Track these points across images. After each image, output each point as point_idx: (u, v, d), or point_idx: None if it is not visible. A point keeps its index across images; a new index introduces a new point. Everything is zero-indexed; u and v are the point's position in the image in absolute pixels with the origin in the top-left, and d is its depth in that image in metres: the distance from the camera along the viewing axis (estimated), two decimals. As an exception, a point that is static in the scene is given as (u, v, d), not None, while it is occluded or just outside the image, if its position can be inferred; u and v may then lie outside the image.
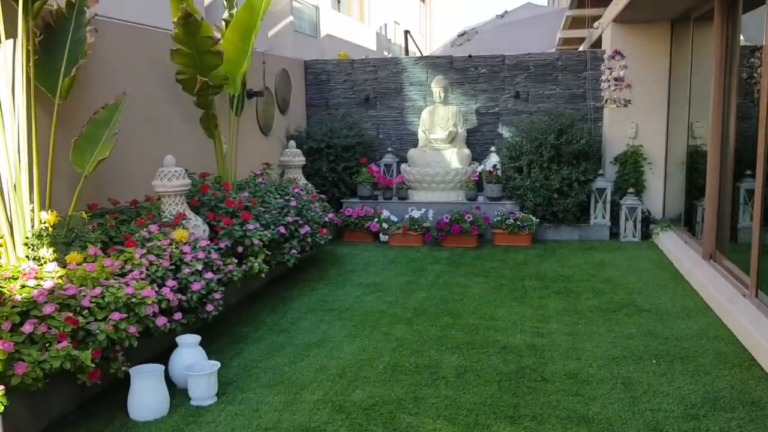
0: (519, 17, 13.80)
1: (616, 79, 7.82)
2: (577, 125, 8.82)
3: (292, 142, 8.16)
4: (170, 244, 4.69)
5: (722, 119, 6.33)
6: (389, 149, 9.79)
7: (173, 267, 4.60)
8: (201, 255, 4.73)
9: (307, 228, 6.54)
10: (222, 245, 5.43)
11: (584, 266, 7.23)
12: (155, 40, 6.21)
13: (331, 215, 7.55)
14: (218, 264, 5.03)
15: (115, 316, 3.87)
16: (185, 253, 4.69)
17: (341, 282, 6.76)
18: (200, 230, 5.36)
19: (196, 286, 4.52)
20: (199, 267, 4.65)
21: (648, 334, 5.11)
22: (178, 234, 4.74)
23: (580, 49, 12.85)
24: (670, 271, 6.94)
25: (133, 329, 3.94)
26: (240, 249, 5.56)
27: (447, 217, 8.39)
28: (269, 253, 5.83)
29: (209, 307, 4.72)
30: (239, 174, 7.50)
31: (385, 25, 33.90)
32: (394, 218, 8.77)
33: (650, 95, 8.71)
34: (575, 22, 13.25)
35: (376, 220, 8.71)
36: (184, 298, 4.51)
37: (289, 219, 6.34)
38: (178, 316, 4.42)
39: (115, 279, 4.18)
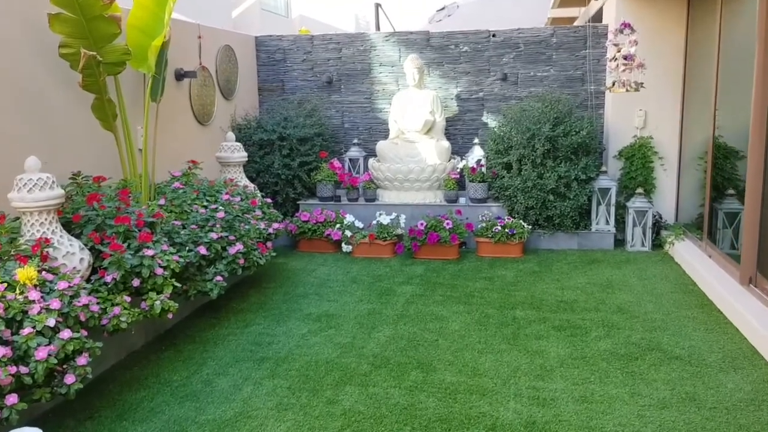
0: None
1: (625, 58, 6.43)
2: (575, 113, 7.43)
3: (231, 134, 6.68)
4: (8, 288, 3.23)
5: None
6: (355, 141, 8.35)
7: (9, 325, 3.14)
8: (55, 304, 3.28)
9: (239, 246, 5.10)
10: (108, 278, 3.99)
11: (588, 288, 5.86)
12: (36, 3, 4.69)
13: (277, 225, 6.10)
14: (93, 311, 3.58)
15: None
16: (33, 302, 3.24)
17: (285, 313, 5.34)
18: (75, 260, 3.91)
19: (40, 353, 3.07)
20: (50, 322, 3.20)
21: (687, 399, 3.75)
22: (22, 273, 3.29)
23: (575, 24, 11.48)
24: (696, 295, 5.60)
25: None
26: (137, 282, 4.12)
27: (422, 224, 6.98)
28: (179, 285, 4.39)
29: (69, 379, 3.27)
30: (163, 175, 6.03)
31: (365, 6, 32.26)
32: (359, 224, 7.35)
33: (661, 78, 7.33)
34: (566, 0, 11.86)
35: (338, 226, 7.29)
36: (25, 370, 3.07)
37: (214, 236, 4.89)
38: (11, 399, 2.98)
39: None
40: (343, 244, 7.24)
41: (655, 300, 5.49)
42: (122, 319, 3.86)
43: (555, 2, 12.30)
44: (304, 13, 23.01)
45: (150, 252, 4.16)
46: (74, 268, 3.87)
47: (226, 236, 5.06)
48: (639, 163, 7.41)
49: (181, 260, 4.49)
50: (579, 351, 4.45)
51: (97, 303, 3.74)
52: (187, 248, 4.71)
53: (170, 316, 4.25)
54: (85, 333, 3.48)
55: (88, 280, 4.08)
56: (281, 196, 7.79)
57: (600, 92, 7.85)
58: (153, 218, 4.51)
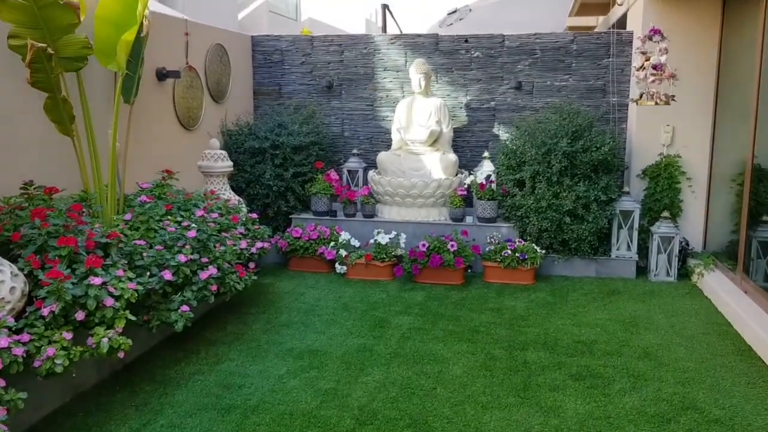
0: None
1: (654, 67, 5.77)
2: (595, 127, 6.78)
3: (214, 141, 6.06)
4: None
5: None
6: (354, 151, 7.72)
7: None
8: (-43, 351, 2.65)
9: (212, 270, 4.46)
10: (45, 311, 3.36)
11: (609, 325, 5.19)
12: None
13: (261, 244, 5.48)
14: (16, 354, 2.96)
15: None
16: (-71, 348, 2.62)
17: (263, 347, 4.69)
18: (3, 290, 3.28)
19: (-72, 418, 2.45)
20: (-52, 376, 2.57)
21: (735, 481, 3.08)
22: None
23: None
24: (731, 338, 4.92)
25: None
26: (81, 315, 3.49)
27: (424, 245, 6.33)
28: (134, 317, 3.75)
29: (-28, 445, 2.65)
30: (135, 186, 5.42)
31: (376, 10, 31.66)
32: (355, 242, 6.71)
33: (691, 91, 6.64)
34: (584, 8, 11.24)
35: (332, 244, 6.65)
36: None
37: (182, 258, 4.26)
38: None
39: None
40: (337, 264, 6.60)
41: (686, 343, 4.81)
42: (57, 361, 3.24)
43: (573, 10, 11.69)
44: (314, 15, 22.46)
45: (97, 280, 3.53)
46: (2, 299, 3.25)
47: (197, 259, 4.43)
48: (665, 184, 6.74)
49: (140, 288, 3.86)
50: (601, 408, 3.78)
51: (28, 342, 3.13)
52: (149, 273, 4.09)
53: (121, 354, 3.62)
54: (2, 383, 2.86)
55: (22, 313, 3.46)
56: (272, 209, 7.16)
57: (623, 105, 7.20)
58: (107, 238, 3.89)
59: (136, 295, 3.79)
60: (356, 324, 5.18)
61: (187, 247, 4.37)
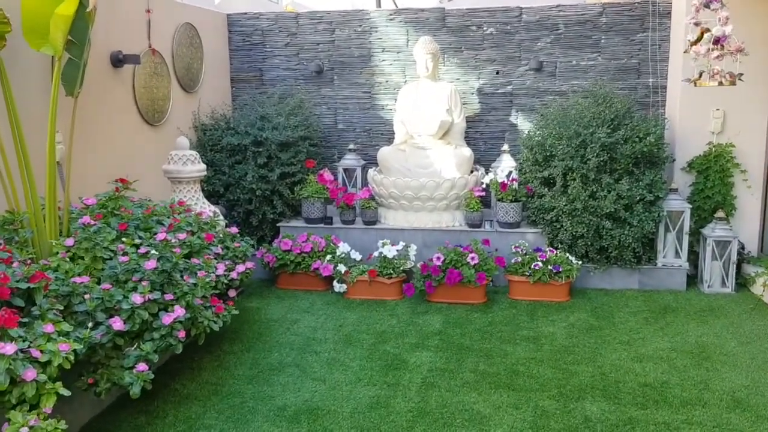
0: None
1: (716, 41, 4.77)
2: (635, 113, 5.79)
3: (183, 139, 4.98)
4: None
5: None
6: (351, 146, 6.67)
7: None
8: None
9: (179, 311, 3.42)
10: (-71, 399, 2.32)
11: (676, 358, 4.22)
12: None
13: (242, 267, 4.44)
14: None
15: None
16: None
17: (249, 403, 3.67)
18: None
19: None
20: None
21: None
22: None
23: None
24: (832, 373, 3.98)
25: None
26: (-13, 397, 2.46)
27: (439, 258, 5.32)
28: (67, 392, 2.71)
29: None
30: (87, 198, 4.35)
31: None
32: (356, 255, 5.69)
33: (744, 69, 5.64)
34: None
35: (328, 258, 5.62)
36: None
37: (137, 299, 3.22)
38: None
39: None
40: (335, 282, 5.58)
41: (779, 383, 3.86)
42: (-56, 476, 2.21)
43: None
44: (297, -1, 21.28)
45: (10, 348, 2.49)
46: None
47: (159, 297, 3.38)
48: (716, 178, 5.77)
49: (79, 346, 2.83)
50: (706, 495, 2.81)
51: None
52: (92, 322, 3.05)
53: (51, 444, 2.59)
54: None
55: None
56: (256, 217, 6.11)
57: (663, 87, 6.21)
58: (30, 282, 2.84)
59: (73, 357, 2.76)
60: (364, 365, 4.17)
61: (144, 283, 3.32)
